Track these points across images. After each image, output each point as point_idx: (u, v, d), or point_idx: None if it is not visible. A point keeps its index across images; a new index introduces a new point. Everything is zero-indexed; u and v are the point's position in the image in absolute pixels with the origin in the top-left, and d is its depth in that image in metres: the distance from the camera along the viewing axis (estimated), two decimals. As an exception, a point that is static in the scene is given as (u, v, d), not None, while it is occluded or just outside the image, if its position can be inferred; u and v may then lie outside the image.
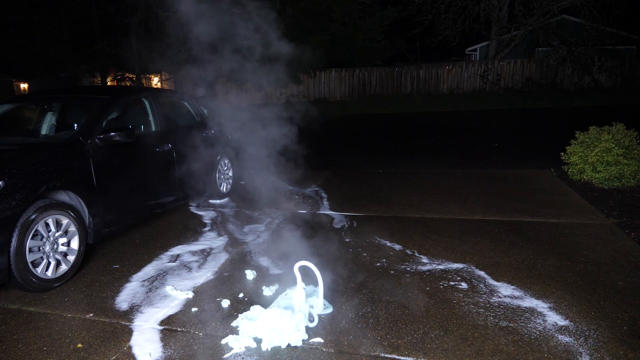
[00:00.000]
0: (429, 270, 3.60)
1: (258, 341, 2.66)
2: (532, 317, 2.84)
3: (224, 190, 6.03)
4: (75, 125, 4.46)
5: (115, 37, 20.14)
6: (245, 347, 2.62)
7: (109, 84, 22.47)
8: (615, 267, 3.52)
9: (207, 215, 5.27)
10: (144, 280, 3.58)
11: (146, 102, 4.99)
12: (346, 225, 4.80)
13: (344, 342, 2.65)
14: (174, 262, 3.93)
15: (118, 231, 4.35)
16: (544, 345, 2.55)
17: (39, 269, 3.35)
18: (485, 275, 3.47)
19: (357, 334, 2.72)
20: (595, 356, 2.44)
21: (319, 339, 2.68)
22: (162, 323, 2.93)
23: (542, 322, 2.78)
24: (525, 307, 2.97)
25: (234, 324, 2.87)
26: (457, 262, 3.73)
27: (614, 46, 20.48)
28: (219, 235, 4.60)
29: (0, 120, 4.75)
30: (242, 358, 2.55)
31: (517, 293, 3.17)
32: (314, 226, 4.73)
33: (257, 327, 2.72)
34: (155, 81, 22.48)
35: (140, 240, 4.51)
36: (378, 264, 3.76)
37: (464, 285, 3.32)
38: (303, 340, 2.66)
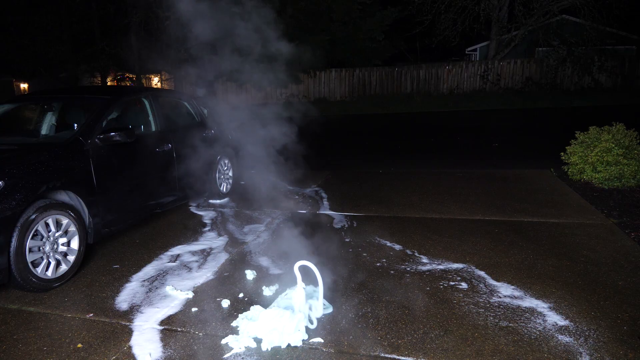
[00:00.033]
0: (429, 270, 3.60)
1: (258, 341, 2.66)
2: (532, 317, 2.84)
3: (224, 190, 6.03)
4: (75, 125, 4.46)
5: (115, 37, 20.14)
6: (245, 347, 2.62)
7: (109, 84, 22.47)
8: (615, 267, 3.52)
9: (207, 215, 5.27)
10: (144, 280, 3.58)
11: (146, 102, 4.99)
12: (346, 225, 4.80)
13: (344, 342, 2.65)
14: (174, 262, 3.93)
15: (118, 231, 4.35)
16: (544, 345, 2.55)
17: (39, 269, 3.35)
18: (485, 275, 3.47)
19: (357, 334, 2.72)
20: (595, 356, 2.44)
21: (319, 339, 2.68)
22: (162, 323, 2.93)
23: (542, 322, 2.78)
24: (525, 307, 2.97)
25: (234, 324, 2.87)
26: (457, 262, 3.73)
27: (614, 46, 20.48)
28: (219, 235, 4.60)
29: (0, 120, 4.75)
30: (242, 358, 2.55)
31: (517, 293, 3.17)
32: (314, 226, 4.73)
33: (257, 327, 2.72)
34: (155, 81, 22.49)
35: (140, 240, 4.51)
36: (378, 264, 3.76)
37: (464, 285, 3.32)
38: (303, 340, 2.66)
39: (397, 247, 4.13)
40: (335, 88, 23.04)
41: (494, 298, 3.11)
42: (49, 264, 3.44)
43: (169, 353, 2.60)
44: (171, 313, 3.05)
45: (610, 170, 5.68)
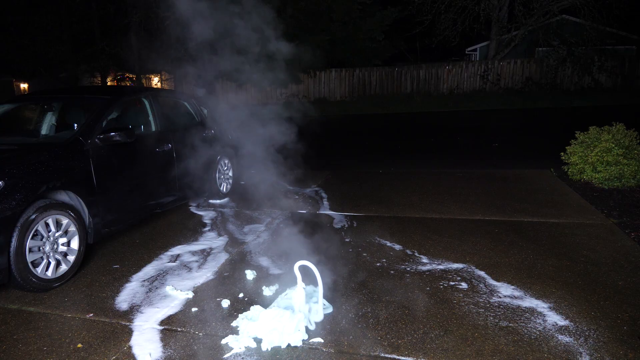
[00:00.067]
0: (429, 270, 3.60)
1: (258, 341, 2.66)
2: (532, 317, 2.84)
3: (224, 190, 6.03)
4: (75, 125, 4.46)
5: (115, 37, 20.15)
6: (245, 347, 2.62)
7: (109, 84, 22.47)
8: (615, 267, 3.52)
9: (207, 215, 5.27)
10: (144, 280, 3.58)
11: (146, 102, 4.99)
12: (346, 225, 4.80)
13: (344, 342, 2.65)
14: (174, 262, 3.93)
15: (118, 231, 4.35)
16: (544, 345, 2.55)
17: (39, 269, 3.35)
18: (485, 275, 3.47)
19: (357, 334, 2.72)
20: (595, 356, 2.44)
21: (319, 339, 2.68)
22: (162, 323, 2.93)
23: (542, 322, 2.78)
24: (525, 307, 2.97)
25: (234, 324, 2.87)
26: (457, 262, 3.73)
27: (614, 46, 20.48)
28: (219, 235, 4.60)
29: (0, 120, 4.75)
30: (242, 358, 2.55)
31: (517, 293, 3.17)
32: (314, 226, 4.73)
33: (257, 327, 2.72)
34: (155, 81, 22.49)
35: (140, 240, 4.51)
36: (378, 264, 3.76)
37: (464, 285, 3.32)
38: (303, 340, 2.66)
39: (397, 247, 4.13)
40: (335, 88, 23.04)
41: (494, 298, 3.11)
42: (49, 264, 3.44)
43: (169, 353, 2.60)
44: (171, 313, 3.05)
45: (610, 170, 5.68)
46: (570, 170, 6.23)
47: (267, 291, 3.31)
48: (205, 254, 4.09)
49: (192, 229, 4.79)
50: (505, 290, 3.21)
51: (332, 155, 9.55)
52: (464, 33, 21.82)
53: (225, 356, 2.57)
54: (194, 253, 4.12)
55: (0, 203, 3.08)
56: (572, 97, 19.05)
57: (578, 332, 2.66)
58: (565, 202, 5.31)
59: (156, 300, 3.24)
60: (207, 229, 4.80)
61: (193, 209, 5.54)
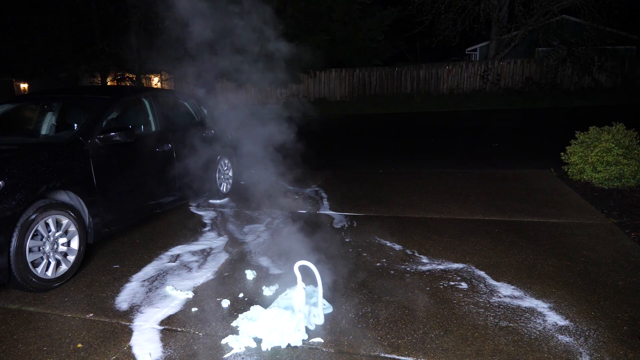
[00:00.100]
0: (429, 270, 3.60)
1: (258, 341, 2.66)
2: (532, 317, 2.84)
3: (224, 190, 6.03)
4: (75, 125, 4.46)
5: (115, 37, 20.15)
6: (245, 347, 2.62)
7: (109, 84, 22.47)
8: (615, 267, 3.52)
9: (207, 215, 5.27)
10: (144, 280, 3.58)
11: (146, 102, 4.99)
12: (346, 225, 4.80)
13: (344, 342, 2.65)
14: (174, 262, 3.93)
15: (118, 231, 4.35)
16: (544, 345, 2.55)
17: (39, 269, 3.35)
18: (485, 275, 3.47)
19: (357, 334, 2.72)
20: (595, 356, 2.44)
21: (319, 339, 2.68)
22: (162, 323, 2.93)
23: (542, 322, 2.78)
24: (525, 307, 2.97)
25: (234, 324, 2.87)
26: (457, 262, 3.73)
27: (614, 46, 20.49)
28: (219, 235, 4.60)
29: (0, 120, 4.75)
30: (242, 358, 2.55)
31: (517, 293, 3.17)
32: (314, 226, 4.73)
33: (257, 327, 2.72)
34: (155, 81, 22.49)
35: (140, 240, 4.51)
36: (378, 264, 3.76)
37: (464, 285, 3.32)
38: (303, 340, 2.66)
39: (397, 247, 4.13)
40: (335, 88, 23.04)
41: (494, 298, 3.11)
42: (49, 264, 3.44)
43: (169, 353, 2.60)
44: (171, 313, 3.05)
45: (610, 170, 5.68)
46: (570, 170, 6.23)
47: (267, 291, 3.31)
48: (205, 254, 4.09)
49: (192, 229, 4.79)
50: (505, 290, 3.21)
51: (332, 155, 9.55)
52: (464, 33, 21.83)
53: (225, 356, 2.57)
54: (194, 253, 4.12)
55: (0, 203, 3.08)
56: (572, 97, 19.05)
57: (578, 332, 2.66)
58: (565, 202, 5.31)
59: (156, 300, 3.24)
60: (207, 229, 4.80)
61: (193, 209, 5.54)
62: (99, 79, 22.49)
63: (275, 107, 5.33)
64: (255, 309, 2.90)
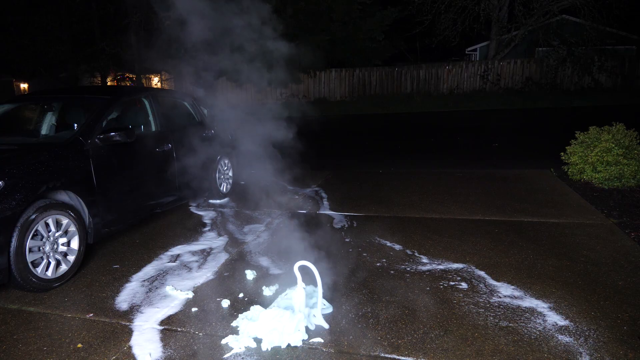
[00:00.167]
0: (429, 270, 3.60)
1: (258, 341, 2.66)
2: (532, 317, 2.84)
3: (224, 190, 6.03)
4: (75, 125, 4.46)
5: (115, 37, 20.15)
6: (245, 347, 2.62)
7: (109, 84, 22.47)
8: (615, 267, 3.52)
9: (207, 215, 5.27)
10: (144, 280, 3.58)
11: (146, 102, 4.99)
12: (346, 225, 4.80)
13: (344, 342, 2.65)
14: (174, 262, 3.93)
15: (118, 231, 4.35)
16: (544, 345, 2.55)
17: (39, 269, 3.35)
18: (485, 275, 3.47)
19: (357, 334, 2.72)
20: (595, 356, 2.44)
21: (319, 339, 2.68)
22: (162, 323, 2.93)
23: (542, 322, 2.78)
24: (525, 307, 2.97)
25: (234, 324, 2.87)
26: (457, 262, 3.73)
27: (614, 46, 20.49)
28: (219, 235, 4.60)
29: (0, 120, 4.75)
30: (242, 358, 2.55)
31: (517, 293, 3.17)
32: (314, 226, 4.73)
33: (257, 327, 2.72)
34: (155, 81, 22.49)
35: (140, 240, 4.51)
36: (378, 264, 3.76)
37: (464, 285, 3.32)
38: (303, 340, 2.66)
39: (397, 247, 4.13)
40: (335, 88, 23.04)
41: (494, 298, 3.11)
42: (49, 264, 3.44)
43: (169, 353, 2.60)
44: (171, 313, 3.05)
45: (610, 170, 5.68)
46: (570, 170, 6.23)
47: (267, 291, 3.31)
48: (205, 254, 4.09)
49: (192, 229, 4.79)
50: (505, 290, 3.21)
51: (332, 155, 9.55)
52: (464, 33, 21.84)
53: (225, 356, 2.57)
54: (194, 253, 4.12)
55: (0, 203, 3.08)
56: (572, 97, 19.06)
57: (578, 332, 2.66)
58: (565, 202, 5.32)
59: (156, 300, 3.24)
60: (207, 229, 4.80)
61: (193, 209, 5.54)
62: (99, 79, 22.49)
63: (275, 107, 5.33)
64: (255, 309, 2.90)
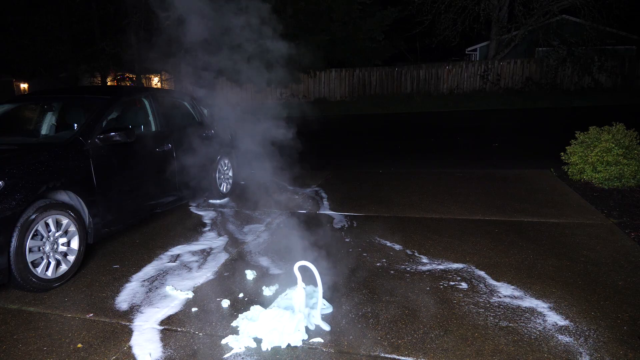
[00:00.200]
0: (429, 270, 3.60)
1: (258, 341, 2.66)
2: (532, 317, 2.84)
3: (224, 190, 6.03)
4: (75, 125, 4.46)
5: (115, 37, 20.15)
6: (245, 347, 2.62)
7: (109, 84, 22.48)
8: (615, 267, 3.52)
9: (207, 215, 5.27)
10: (144, 280, 3.58)
11: (146, 102, 4.99)
12: (346, 225, 4.80)
13: (344, 342, 2.65)
14: (174, 262, 3.93)
15: (118, 231, 4.35)
16: (544, 345, 2.55)
17: (39, 269, 3.35)
18: (485, 275, 3.47)
19: (357, 334, 2.72)
20: (595, 356, 2.44)
21: (319, 339, 2.68)
22: (162, 323, 2.93)
23: (542, 322, 2.78)
24: (525, 307, 2.97)
25: (234, 324, 2.87)
26: (457, 262, 3.73)
27: (614, 46, 20.50)
28: (219, 235, 4.60)
29: (0, 120, 4.75)
30: (242, 358, 2.55)
31: (517, 293, 3.17)
32: (314, 226, 4.73)
33: (257, 327, 2.72)
34: (155, 81, 22.50)
35: (140, 240, 4.51)
36: (378, 264, 3.76)
37: (464, 285, 3.32)
38: (303, 340, 2.66)
39: (397, 247, 4.13)
40: (335, 88, 23.05)
41: (494, 298, 3.11)
42: (49, 264, 3.44)
43: (169, 353, 2.60)
44: (171, 313, 3.05)
45: (610, 170, 5.68)
46: (570, 170, 6.23)
47: (267, 291, 3.31)
48: (205, 254, 4.09)
49: (192, 229, 4.79)
50: (505, 290, 3.21)
51: (332, 155, 9.55)
52: (464, 33, 21.84)
53: (225, 356, 2.57)
54: (194, 253, 4.12)
55: (0, 203, 3.08)
56: (572, 97, 19.06)
57: (578, 332, 2.66)
58: (565, 202, 5.32)
59: (156, 300, 3.24)
60: (207, 229, 4.80)
61: (193, 209, 5.54)
62: (99, 79, 22.49)
63: (275, 107, 5.33)
64: (255, 309, 2.90)
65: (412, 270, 3.61)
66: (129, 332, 2.83)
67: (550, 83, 20.66)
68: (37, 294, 3.37)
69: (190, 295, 3.29)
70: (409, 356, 2.50)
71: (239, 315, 2.91)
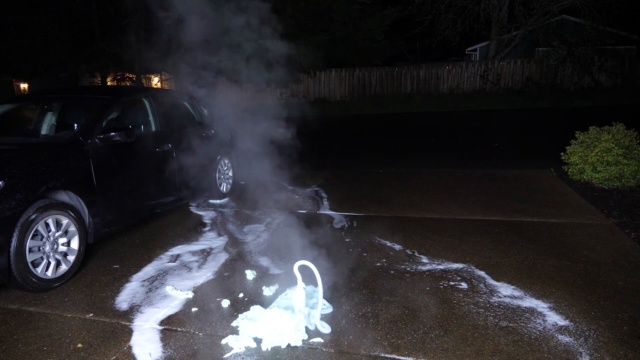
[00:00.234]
0: (429, 270, 3.60)
1: (258, 341, 2.66)
2: (532, 317, 2.84)
3: (224, 190, 6.03)
4: (75, 125, 4.46)
5: (115, 37, 20.15)
6: (245, 347, 2.62)
7: (109, 84, 22.48)
8: (615, 267, 3.52)
9: (207, 215, 5.27)
10: (144, 280, 3.58)
11: (146, 102, 4.99)
12: (346, 225, 4.80)
13: (344, 342, 2.65)
14: (174, 262, 3.93)
15: (118, 231, 4.35)
16: (544, 345, 2.55)
17: (39, 269, 3.35)
18: (485, 275, 3.47)
19: (357, 334, 2.72)
20: (595, 356, 2.44)
21: (319, 339, 2.68)
22: (162, 323, 2.93)
23: (542, 322, 2.78)
24: (525, 307, 2.97)
25: (234, 324, 2.87)
26: (457, 262, 3.73)
27: (614, 46, 20.50)
28: (219, 235, 4.60)
29: (0, 120, 4.75)
30: (242, 358, 2.55)
31: (517, 293, 3.17)
32: (314, 226, 4.73)
33: (257, 327, 2.72)
34: (155, 81, 22.49)
35: (140, 240, 4.51)
36: (378, 264, 3.76)
37: (464, 285, 3.32)
38: (303, 340, 2.66)
39: (397, 247, 4.13)
40: (335, 88, 23.05)
41: (494, 298, 3.11)
42: (49, 264, 3.44)
43: (169, 353, 2.60)
44: (171, 313, 3.05)
45: (610, 170, 5.68)
46: (570, 170, 6.23)
47: (267, 291, 3.31)
48: (205, 254, 4.09)
49: (192, 229, 4.79)
50: (505, 290, 3.21)
51: (332, 155, 9.55)
52: (464, 33, 21.84)
53: (225, 356, 2.57)
54: (194, 253, 4.12)
55: (0, 203, 3.08)
56: (572, 97, 19.06)
57: (578, 332, 2.66)
58: (565, 202, 5.31)
59: (156, 300, 3.24)
60: (207, 229, 4.80)
61: (193, 209, 5.54)
62: (99, 79, 22.49)
63: (275, 107, 5.33)
64: (255, 309, 2.90)
65: (412, 270, 3.61)
66: (129, 332, 2.83)
67: (550, 83, 20.66)
68: (37, 294, 3.37)
69: (190, 295, 3.29)
70: (409, 356, 2.50)
71: (239, 315, 2.91)
